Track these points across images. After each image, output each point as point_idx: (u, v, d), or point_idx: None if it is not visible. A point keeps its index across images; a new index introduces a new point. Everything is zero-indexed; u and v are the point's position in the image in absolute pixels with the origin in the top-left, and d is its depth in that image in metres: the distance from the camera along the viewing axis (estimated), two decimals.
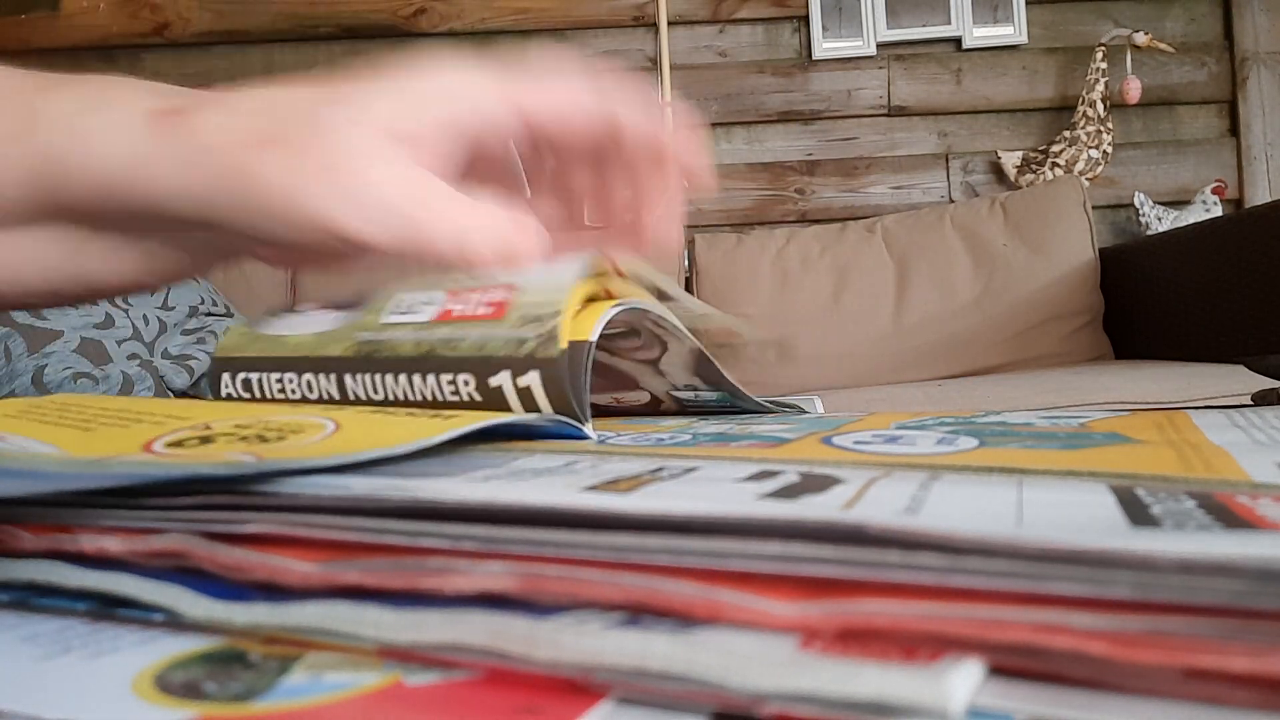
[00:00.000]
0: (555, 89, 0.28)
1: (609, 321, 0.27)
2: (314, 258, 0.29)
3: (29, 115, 0.25)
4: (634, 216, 0.31)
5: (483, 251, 0.25)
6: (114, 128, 0.24)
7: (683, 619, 0.12)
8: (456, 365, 0.27)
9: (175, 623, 0.14)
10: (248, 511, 0.15)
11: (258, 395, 0.30)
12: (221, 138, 0.24)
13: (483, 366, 0.26)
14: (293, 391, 0.30)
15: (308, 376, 0.29)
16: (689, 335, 0.31)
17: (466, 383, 0.26)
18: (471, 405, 0.26)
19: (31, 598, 0.16)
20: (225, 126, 0.24)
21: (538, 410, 0.25)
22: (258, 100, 0.25)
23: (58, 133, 0.24)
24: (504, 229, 0.26)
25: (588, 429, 0.25)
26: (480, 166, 0.29)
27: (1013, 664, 0.10)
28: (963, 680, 0.10)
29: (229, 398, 0.31)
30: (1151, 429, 0.23)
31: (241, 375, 0.31)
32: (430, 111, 0.26)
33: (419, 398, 0.27)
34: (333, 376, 0.29)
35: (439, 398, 0.27)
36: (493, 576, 0.13)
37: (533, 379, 0.25)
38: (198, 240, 0.28)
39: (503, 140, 0.28)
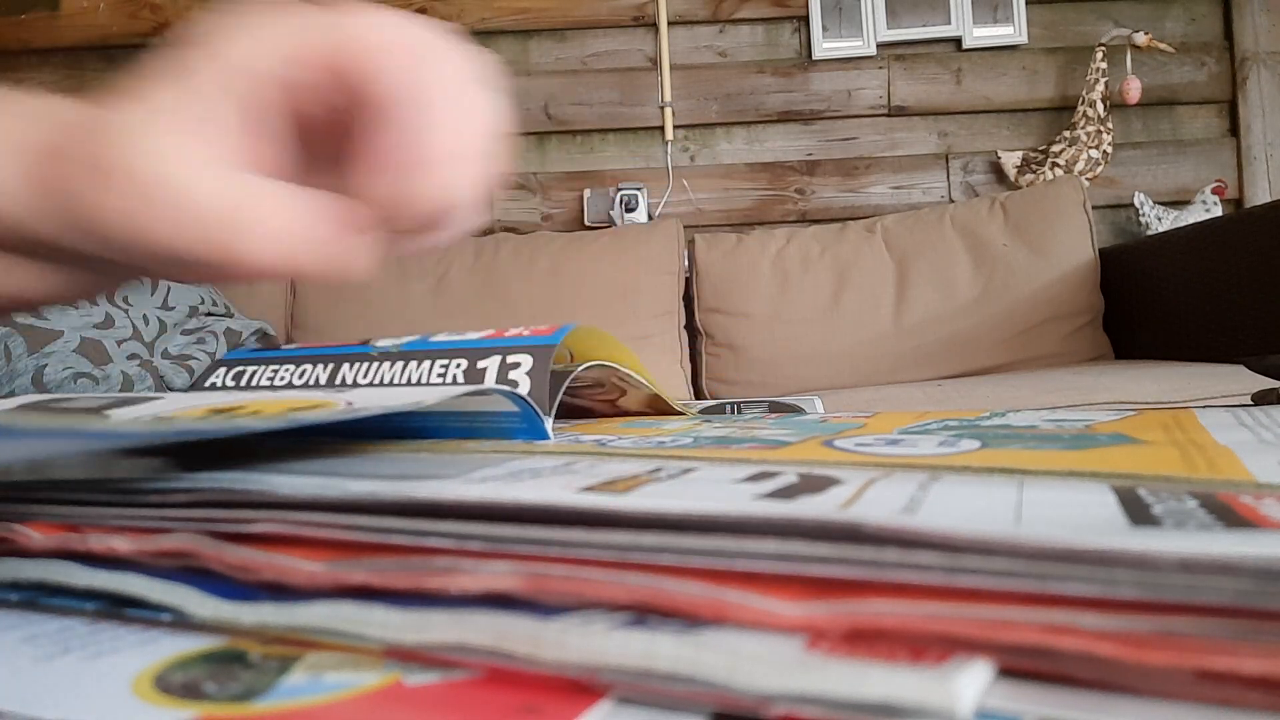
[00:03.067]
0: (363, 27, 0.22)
1: (578, 376, 0.31)
2: (145, 272, 0.25)
3: None
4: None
5: (306, 267, 0.22)
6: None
7: (688, 619, 0.12)
8: (453, 353, 0.29)
9: (178, 623, 0.14)
10: (253, 510, 0.15)
11: (244, 385, 0.31)
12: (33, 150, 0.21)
13: (478, 353, 0.29)
14: (281, 380, 0.31)
15: (305, 366, 0.31)
16: (647, 384, 0.37)
17: (459, 365, 0.28)
18: (452, 385, 0.28)
19: (40, 597, 0.16)
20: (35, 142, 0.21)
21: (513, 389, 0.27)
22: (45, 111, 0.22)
23: None
24: (329, 238, 0.22)
25: (548, 425, 0.26)
26: (307, 132, 0.24)
27: (1022, 665, 0.10)
28: (971, 681, 0.10)
29: (212, 387, 0.32)
30: (1157, 429, 0.23)
31: (236, 369, 0.32)
32: (240, 87, 0.21)
33: (406, 380, 0.28)
34: (329, 365, 0.30)
35: (425, 380, 0.28)
36: (498, 576, 0.13)
37: (523, 359, 0.28)
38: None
39: (322, 99, 0.23)
